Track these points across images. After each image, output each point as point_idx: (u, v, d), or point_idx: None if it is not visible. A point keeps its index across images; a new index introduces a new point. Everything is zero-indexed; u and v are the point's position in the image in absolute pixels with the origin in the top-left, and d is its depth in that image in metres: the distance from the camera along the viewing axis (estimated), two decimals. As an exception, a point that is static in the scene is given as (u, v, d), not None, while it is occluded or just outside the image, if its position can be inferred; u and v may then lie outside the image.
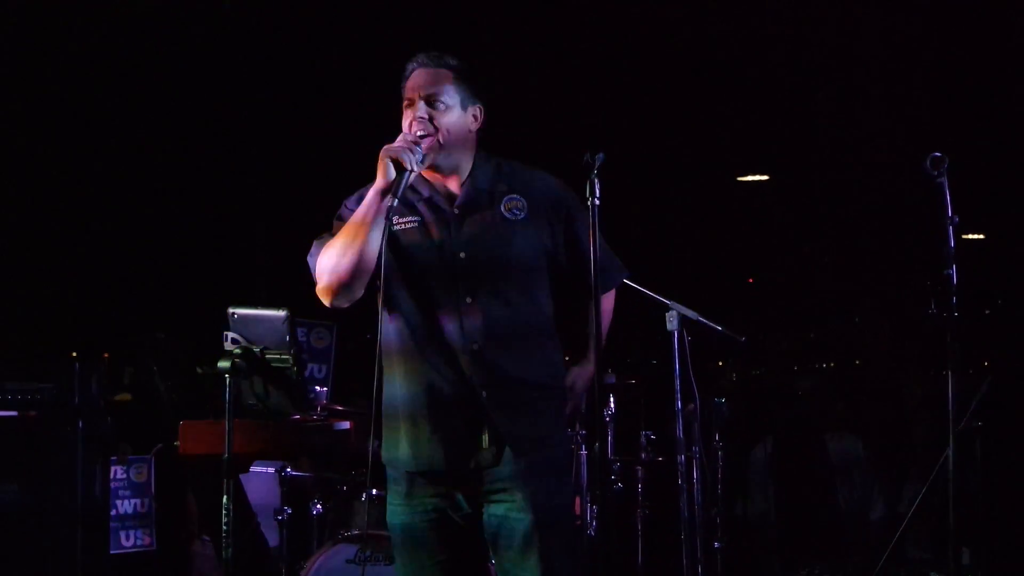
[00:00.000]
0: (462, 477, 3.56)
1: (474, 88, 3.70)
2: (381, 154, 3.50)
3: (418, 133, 3.56)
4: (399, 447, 3.61)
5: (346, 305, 3.58)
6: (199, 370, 5.62)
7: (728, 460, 5.84)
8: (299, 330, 5.62)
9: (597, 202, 3.43)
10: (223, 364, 4.06)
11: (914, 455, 7.59)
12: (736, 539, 6.36)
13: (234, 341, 4.13)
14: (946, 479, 3.93)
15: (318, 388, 5.51)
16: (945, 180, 3.91)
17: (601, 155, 3.43)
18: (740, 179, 11.73)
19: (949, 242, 3.87)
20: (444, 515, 3.59)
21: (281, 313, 4.13)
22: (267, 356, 4.13)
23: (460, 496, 3.58)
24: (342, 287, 3.52)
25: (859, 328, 15.69)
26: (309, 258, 3.66)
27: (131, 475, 6.10)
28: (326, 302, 3.59)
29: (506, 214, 3.63)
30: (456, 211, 3.63)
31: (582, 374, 3.83)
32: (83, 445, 5.34)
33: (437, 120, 3.60)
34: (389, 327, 3.61)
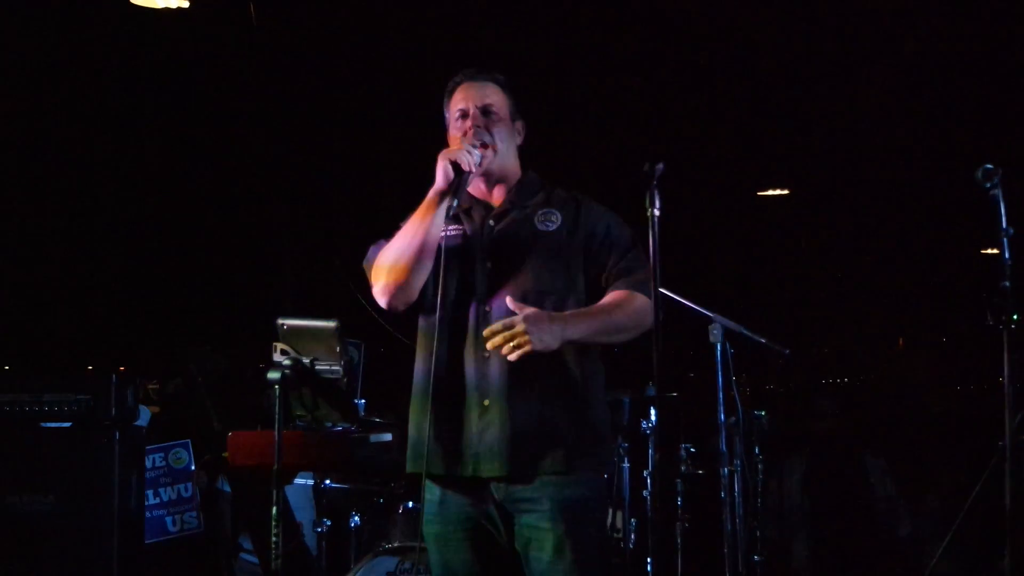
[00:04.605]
0: (475, 484, 3.52)
1: (518, 102, 3.78)
2: (440, 157, 3.54)
3: (476, 141, 3.60)
4: (408, 448, 3.62)
5: (402, 308, 3.60)
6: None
7: (767, 473, 5.83)
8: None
9: (657, 213, 3.36)
10: (273, 375, 4.05)
11: (933, 472, 7.56)
12: (774, 553, 6.34)
13: (283, 352, 4.12)
14: (1001, 493, 3.90)
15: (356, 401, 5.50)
16: (999, 192, 3.89)
17: (661, 165, 3.39)
18: (760, 193, 11.76)
19: (1004, 253, 3.86)
20: (476, 525, 3.56)
21: (331, 324, 4.12)
22: (317, 367, 4.11)
23: (491, 506, 3.54)
24: (399, 287, 3.55)
25: (871, 346, 15.73)
26: (365, 263, 3.69)
27: (170, 461, 6.09)
28: (383, 303, 3.61)
29: (539, 225, 3.64)
30: (491, 222, 3.66)
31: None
32: (119, 457, 5.34)
33: (491, 128, 3.67)
34: (419, 328, 3.65)
